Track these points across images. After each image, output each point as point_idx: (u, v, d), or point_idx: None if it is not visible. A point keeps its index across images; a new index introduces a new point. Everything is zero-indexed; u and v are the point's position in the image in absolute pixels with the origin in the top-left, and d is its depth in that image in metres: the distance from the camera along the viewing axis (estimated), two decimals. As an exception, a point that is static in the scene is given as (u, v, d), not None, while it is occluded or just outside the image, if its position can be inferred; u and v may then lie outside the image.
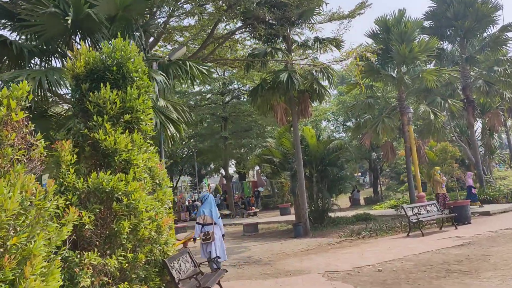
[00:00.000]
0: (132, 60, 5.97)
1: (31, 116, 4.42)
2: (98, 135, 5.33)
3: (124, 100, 5.67)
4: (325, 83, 15.00)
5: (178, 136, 8.04)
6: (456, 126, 24.87)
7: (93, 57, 5.79)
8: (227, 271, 8.94)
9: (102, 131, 5.35)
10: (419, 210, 13.39)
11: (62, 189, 5.00)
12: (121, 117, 5.68)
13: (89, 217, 4.87)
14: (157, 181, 6.10)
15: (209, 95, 29.98)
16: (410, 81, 16.82)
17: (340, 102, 28.47)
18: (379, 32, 17.84)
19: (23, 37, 8.07)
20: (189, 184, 70.76)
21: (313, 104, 16.21)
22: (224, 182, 59.97)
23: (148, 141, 6.06)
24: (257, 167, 39.10)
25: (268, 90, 14.42)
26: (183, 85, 29.86)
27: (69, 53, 7.61)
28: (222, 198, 35.61)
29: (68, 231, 3.85)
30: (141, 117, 5.80)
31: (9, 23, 8.07)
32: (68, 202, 4.48)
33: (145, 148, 5.92)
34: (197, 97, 29.54)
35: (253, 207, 29.71)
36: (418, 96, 18.40)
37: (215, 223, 9.51)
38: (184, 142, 27.97)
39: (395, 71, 17.49)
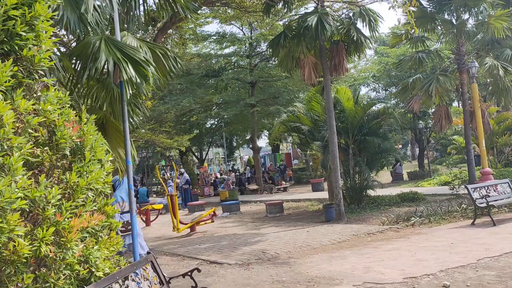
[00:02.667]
0: None
1: None
2: None
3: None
4: (365, 31, 11.90)
5: (138, 81, 5.39)
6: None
7: None
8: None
9: None
10: (488, 191, 10.34)
11: None
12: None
13: None
14: (68, 152, 3.52)
15: (235, 59, 27.18)
16: (474, 28, 13.43)
17: (381, 63, 24.95)
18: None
19: None
20: (222, 156, 69.07)
21: (349, 61, 13.19)
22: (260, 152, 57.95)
23: (47, 79, 3.44)
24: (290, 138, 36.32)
25: (292, 39, 11.48)
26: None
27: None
28: (252, 171, 33.17)
29: None
30: (23, 33, 3.14)
31: None
32: None
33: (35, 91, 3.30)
34: (220, 59, 26.79)
35: (283, 182, 27.08)
36: (481, 50, 14.88)
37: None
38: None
39: (454, 17, 14.10)
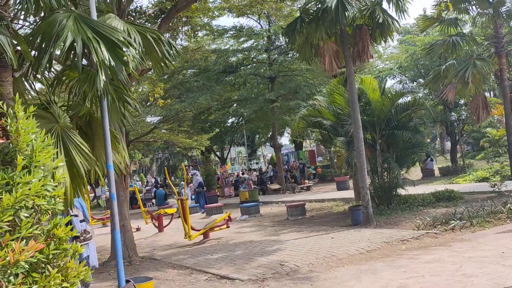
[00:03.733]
0: None
1: None
2: None
3: None
4: (391, 12, 10.63)
5: (113, 64, 4.39)
6: None
7: None
8: None
9: None
10: (540, 189, 8.98)
11: None
12: None
13: None
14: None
15: (253, 54, 26.11)
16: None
17: (408, 52, 23.37)
18: None
19: None
20: (244, 155, 68.28)
21: (374, 48, 11.94)
22: (282, 150, 56.72)
23: None
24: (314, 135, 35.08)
25: (310, 24, 10.31)
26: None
27: None
28: (275, 170, 32.04)
29: None
30: None
31: None
32: None
33: None
34: (239, 56, 25.79)
35: (306, 181, 25.87)
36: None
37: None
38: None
39: (492, -5, 12.68)
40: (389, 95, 12.36)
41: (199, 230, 10.98)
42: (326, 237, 9.75)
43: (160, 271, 8.29)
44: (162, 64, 6.33)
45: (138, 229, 14.88)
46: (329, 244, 8.93)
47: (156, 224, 13.58)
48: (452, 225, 9.32)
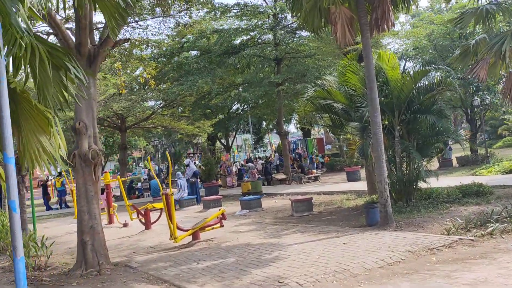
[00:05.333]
0: None
1: None
2: None
3: None
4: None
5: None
6: None
7: None
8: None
9: None
10: None
11: None
12: None
13: None
14: None
15: (258, 34, 24.27)
16: None
17: (427, 30, 21.34)
18: None
19: None
20: (251, 143, 66.77)
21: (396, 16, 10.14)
22: (289, 138, 54.85)
23: None
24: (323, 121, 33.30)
25: (319, -16, 8.56)
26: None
27: None
28: (281, 158, 30.36)
29: None
30: None
31: None
32: None
33: None
34: (242, 37, 23.99)
35: (314, 170, 24.18)
36: None
37: None
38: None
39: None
40: (411, 73, 10.55)
41: (186, 230, 9.38)
42: (336, 241, 8.09)
43: (129, 286, 6.71)
44: (117, 16, 4.68)
45: (125, 225, 13.37)
46: (340, 252, 7.28)
47: (143, 221, 12.02)
48: (491, 229, 7.62)
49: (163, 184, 28.60)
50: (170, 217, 9.02)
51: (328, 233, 8.96)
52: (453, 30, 22.11)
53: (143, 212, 11.99)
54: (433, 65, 10.23)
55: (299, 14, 9.56)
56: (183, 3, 12.34)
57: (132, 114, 24.14)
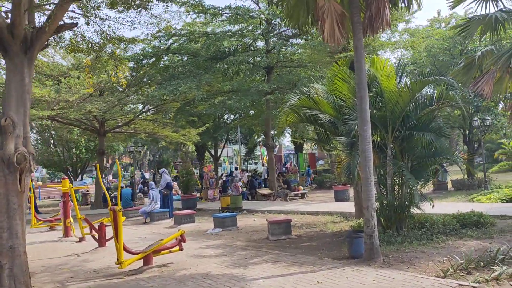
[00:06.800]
0: None
1: None
2: None
3: None
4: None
5: None
6: None
7: None
8: None
9: None
10: None
11: None
12: None
13: None
14: None
15: (249, 39, 23.03)
16: None
17: (427, 45, 20.16)
18: None
19: None
20: (242, 154, 65.29)
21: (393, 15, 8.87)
22: (283, 151, 53.21)
23: None
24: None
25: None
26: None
27: None
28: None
29: None
30: None
31: None
32: None
33: None
34: (232, 40, 22.68)
35: (301, 187, 22.77)
36: None
37: None
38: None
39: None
40: (408, 84, 9.24)
41: (136, 253, 7.93)
42: (310, 278, 6.67)
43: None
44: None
45: (81, 239, 11.88)
46: (313, 295, 5.88)
47: (97, 236, 10.54)
48: (497, 273, 6.26)
49: (139, 194, 27.19)
50: (116, 237, 7.59)
51: (302, 266, 7.55)
52: (453, 46, 21.00)
53: (97, 227, 10.51)
54: (434, 76, 8.89)
55: (283, 6, 8.26)
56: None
57: (110, 117, 22.71)
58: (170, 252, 8.46)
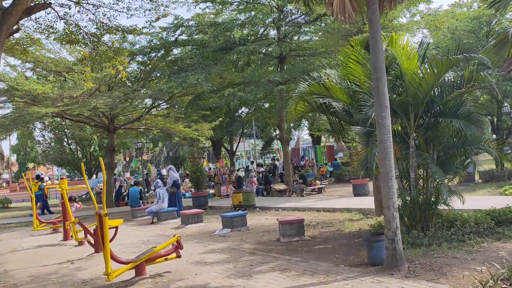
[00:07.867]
0: None
1: None
2: None
3: None
4: None
5: None
6: None
7: None
8: None
9: None
10: None
11: None
12: None
13: None
14: None
15: (260, 29, 22.03)
16: None
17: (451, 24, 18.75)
18: None
19: None
20: (259, 148, 64.41)
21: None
22: (301, 145, 51.99)
23: None
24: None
25: None
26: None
27: None
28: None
29: None
30: None
31: None
32: None
33: None
34: (244, 31, 21.71)
35: (318, 181, 21.69)
36: None
37: None
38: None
39: None
40: (432, 64, 8.10)
41: (126, 263, 7.06)
42: (322, 293, 5.70)
43: None
44: None
45: (81, 243, 11.10)
46: (323, 316, 4.89)
47: (93, 241, 9.72)
48: (548, 285, 5.17)
49: (145, 194, 26.51)
50: (103, 244, 6.73)
51: (314, 275, 6.56)
52: (479, 27, 19.55)
53: (92, 231, 9.70)
54: (464, 54, 7.73)
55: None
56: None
57: (119, 113, 22.03)
58: (166, 259, 7.56)
